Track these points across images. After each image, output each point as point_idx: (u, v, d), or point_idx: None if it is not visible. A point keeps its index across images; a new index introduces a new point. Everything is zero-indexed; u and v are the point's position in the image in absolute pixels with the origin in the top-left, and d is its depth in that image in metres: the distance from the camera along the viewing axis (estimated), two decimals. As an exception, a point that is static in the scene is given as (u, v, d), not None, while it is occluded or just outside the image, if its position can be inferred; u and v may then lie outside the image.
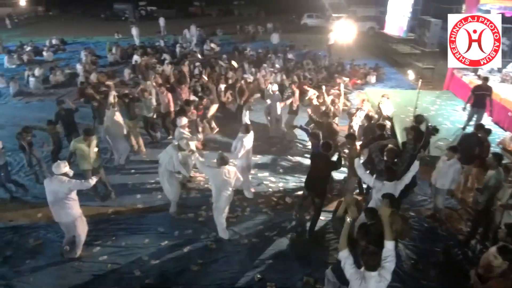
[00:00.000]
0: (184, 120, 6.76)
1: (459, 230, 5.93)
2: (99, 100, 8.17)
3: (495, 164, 5.21)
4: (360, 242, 3.84)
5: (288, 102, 8.89)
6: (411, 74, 11.76)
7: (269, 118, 9.30)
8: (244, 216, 6.26)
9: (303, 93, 9.42)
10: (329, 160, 5.46)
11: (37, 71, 14.23)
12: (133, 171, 7.73)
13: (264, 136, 8.98)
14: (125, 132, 7.78)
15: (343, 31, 13.26)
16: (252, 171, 7.33)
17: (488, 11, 11.17)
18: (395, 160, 5.50)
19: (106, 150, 8.01)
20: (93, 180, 5.14)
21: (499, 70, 11.09)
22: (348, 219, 3.74)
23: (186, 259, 5.28)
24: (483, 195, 5.21)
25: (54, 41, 21.19)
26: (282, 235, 5.76)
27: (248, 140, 6.36)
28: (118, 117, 7.62)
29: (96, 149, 6.32)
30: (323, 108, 8.02)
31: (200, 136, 7.64)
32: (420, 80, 8.83)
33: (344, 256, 3.41)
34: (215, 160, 5.46)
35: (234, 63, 9.30)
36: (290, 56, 16.42)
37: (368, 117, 7.43)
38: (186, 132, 6.75)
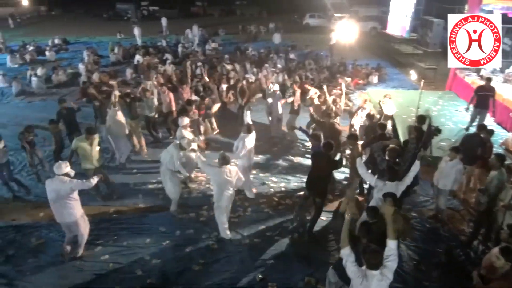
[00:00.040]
0: (186, 120, 6.77)
1: (461, 230, 5.92)
2: (100, 100, 8.19)
3: (497, 164, 5.20)
4: (362, 240, 3.84)
5: (290, 100, 8.89)
6: (413, 74, 11.73)
7: (270, 118, 9.29)
8: (245, 216, 6.26)
9: (304, 92, 9.41)
10: (330, 160, 5.45)
11: (39, 71, 14.28)
12: (134, 170, 7.74)
13: (266, 136, 8.98)
14: (127, 131, 7.79)
15: (345, 31, 13.23)
16: (254, 171, 7.34)
17: (491, 11, 11.15)
18: (397, 159, 5.49)
19: (107, 150, 8.02)
20: (94, 180, 5.14)
21: (502, 71, 11.05)
22: (347, 216, 3.72)
23: (187, 259, 5.28)
24: (486, 195, 5.19)
25: (56, 41, 21.24)
26: (284, 235, 5.76)
27: (250, 140, 6.37)
28: (120, 116, 7.64)
29: (98, 148, 6.33)
30: (324, 107, 8.01)
31: (202, 137, 7.65)
32: (423, 80, 8.81)
33: (346, 254, 3.41)
34: (216, 160, 5.46)
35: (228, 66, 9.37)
36: (292, 56, 16.41)
37: (369, 117, 7.42)
38: (188, 131, 6.76)
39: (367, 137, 7.03)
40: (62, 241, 5.32)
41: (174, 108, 8.90)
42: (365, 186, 6.60)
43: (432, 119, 5.93)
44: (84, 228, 5.19)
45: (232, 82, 11.10)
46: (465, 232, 5.85)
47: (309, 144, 8.40)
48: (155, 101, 8.68)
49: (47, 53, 18.26)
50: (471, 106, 8.84)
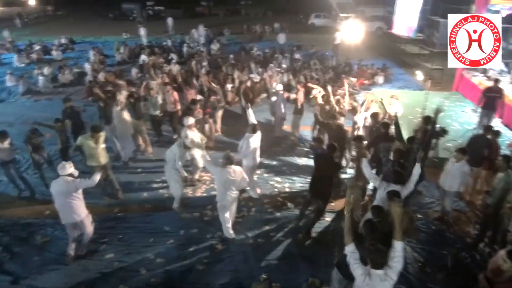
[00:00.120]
0: (191, 120, 6.78)
1: (467, 233, 5.86)
2: (105, 100, 8.22)
3: (504, 166, 5.15)
4: (366, 239, 3.82)
5: (292, 96, 8.86)
6: (419, 75, 11.65)
7: (273, 118, 9.28)
8: (249, 216, 6.26)
9: (308, 92, 9.39)
10: (332, 161, 5.42)
11: (46, 70, 14.40)
12: (139, 170, 7.77)
13: (270, 136, 8.96)
14: (132, 131, 7.83)
15: (351, 31, 13.18)
16: (258, 171, 7.33)
17: (498, 12, 11.04)
18: (402, 161, 5.45)
19: (111, 150, 8.03)
20: (97, 176, 5.17)
21: (509, 71, 10.95)
22: (346, 213, 3.68)
23: (191, 258, 5.29)
24: (492, 197, 5.14)
25: (63, 40, 21.39)
26: (288, 236, 5.75)
27: (255, 140, 6.36)
28: (126, 115, 7.67)
29: (103, 146, 6.36)
30: (328, 107, 7.98)
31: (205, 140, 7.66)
32: (429, 81, 8.75)
33: (350, 251, 3.39)
34: (221, 160, 5.46)
35: (214, 84, 9.37)
36: (297, 56, 16.37)
37: (374, 116, 7.39)
38: (193, 131, 6.76)
39: (371, 137, 7.01)
40: (67, 239, 5.34)
41: (179, 107, 8.92)
42: (369, 187, 6.57)
43: (437, 119, 5.88)
44: (89, 227, 5.22)
45: (237, 82, 11.12)
46: (471, 234, 5.80)
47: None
48: (159, 100, 8.70)
49: (53, 52, 18.41)
50: (478, 107, 8.75)
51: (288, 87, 10.08)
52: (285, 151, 8.54)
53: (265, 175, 7.51)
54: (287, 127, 9.32)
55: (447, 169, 5.74)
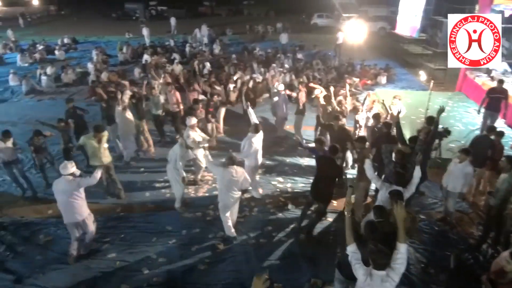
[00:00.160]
0: (193, 120, 6.78)
1: (470, 234, 5.83)
2: (107, 101, 8.23)
3: (508, 167, 5.11)
4: (368, 239, 3.81)
5: (294, 94, 8.84)
6: (422, 75, 11.62)
7: (275, 118, 9.26)
8: (251, 216, 6.26)
9: (311, 92, 9.37)
10: (334, 163, 5.40)
11: (49, 70, 14.45)
12: (142, 169, 7.78)
13: (272, 136, 8.95)
14: (134, 131, 7.84)
15: (354, 31, 13.15)
16: (260, 171, 7.33)
17: (501, 12, 11.00)
18: (404, 162, 5.43)
19: (113, 150, 8.05)
20: (98, 174, 5.18)
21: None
22: (346, 213, 3.68)
23: (193, 258, 5.29)
24: (495, 198, 5.11)
25: (66, 40, 21.48)
26: (290, 236, 5.74)
27: (257, 140, 6.35)
28: (129, 115, 7.69)
29: (106, 145, 6.38)
30: (329, 108, 7.98)
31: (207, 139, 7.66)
32: (432, 81, 8.71)
33: (351, 251, 3.38)
34: (223, 160, 5.46)
35: (216, 86, 9.42)
36: (299, 56, 16.37)
37: (376, 117, 7.38)
38: (195, 132, 6.77)
39: (373, 137, 7.00)
40: (69, 239, 5.35)
41: (181, 107, 8.92)
42: (372, 187, 6.55)
43: (439, 119, 5.86)
44: (92, 226, 5.24)
45: (239, 82, 11.11)
46: (474, 235, 5.77)
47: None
48: (161, 99, 8.71)
49: (56, 52, 18.47)
50: (482, 108, 8.71)
51: (290, 87, 10.07)
52: (287, 151, 8.53)
53: (267, 175, 7.51)
54: (289, 127, 9.31)
55: (450, 169, 5.71)
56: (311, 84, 9.51)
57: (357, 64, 14.96)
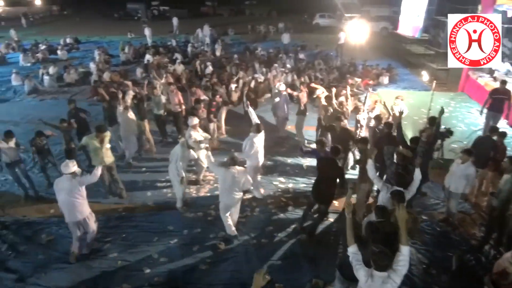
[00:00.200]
0: (195, 120, 6.78)
1: (472, 235, 5.81)
2: (109, 102, 8.25)
3: (510, 168, 5.09)
4: (369, 240, 3.80)
5: (295, 94, 8.83)
6: (425, 75, 11.58)
7: (276, 118, 9.25)
8: (253, 216, 6.25)
9: (312, 92, 9.36)
10: (336, 164, 5.39)
11: (51, 70, 14.49)
12: (144, 169, 7.79)
13: (273, 136, 8.94)
14: (136, 131, 7.85)
15: (356, 31, 13.12)
16: (261, 171, 7.31)
17: (504, 12, 10.95)
18: (405, 164, 5.41)
19: (115, 150, 8.06)
20: (98, 171, 5.19)
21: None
22: (347, 214, 3.67)
23: (195, 257, 5.29)
24: (498, 199, 5.09)
25: (68, 40, 21.54)
26: (292, 236, 5.73)
27: (259, 140, 6.35)
28: (131, 115, 7.69)
29: (108, 146, 6.38)
30: (330, 109, 7.97)
31: (209, 138, 7.65)
32: (435, 81, 8.68)
33: (352, 252, 3.38)
34: (225, 159, 5.46)
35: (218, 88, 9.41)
36: (301, 56, 16.35)
37: (377, 119, 7.37)
38: (197, 132, 6.77)
39: (375, 138, 7.00)
40: (71, 238, 5.37)
41: (183, 107, 8.92)
42: (374, 188, 6.54)
43: (440, 120, 5.85)
44: (93, 225, 5.25)
45: (240, 82, 11.10)
46: (476, 236, 5.75)
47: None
48: (163, 99, 8.71)
49: (59, 52, 18.53)
50: (485, 109, 8.67)
51: (292, 87, 10.06)
52: (288, 152, 8.51)
53: (269, 175, 7.50)
54: (290, 127, 9.30)
55: (453, 170, 5.69)
56: (312, 85, 9.49)
57: (359, 64, 14.93)
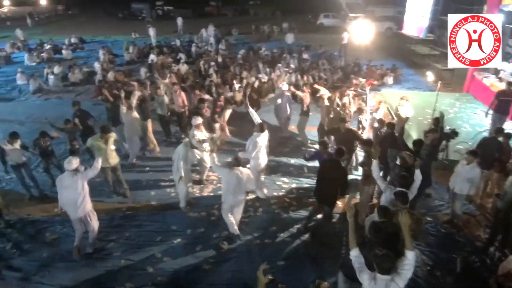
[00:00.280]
0: (199, 120, 6.78)
1: (477, 236, 5.77)
2: (112, 102, 8.27)
3: (516, 169, 5.06)
4: (372, 240, 3.79)
5: (299, 93, 8.82)
6: (430, 76, 11.52)
7: (278, 119, 9.22)
8: (256, 216, 6.25)
9: (315, 93, 9.34)
10: (340, 166, 5.37)
11: (56, 69, 14.57)
12: (147, 168, 7.81)
13: (277, 136, 8.92)
14: (140, 132, 7.87)
15: (360, 31, 13.07)
16: (265, 171, 7.30)
17: (510, 12, 10.87)
18: (408, 166, 5.39)
19: (118, 150, 8.07)
20: (98, 163, 5.20)
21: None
22: (349, 218, 3.66)
23: (198, 257, 5.30)
24: (503, 201, 5.05)
25: (73, 40, 21.64)
26: (295, 237, 5.72)
27: (262, 139, 6.33)
28: (135, 115, 7.71)
29: (113, 147, 6.40)
30: (332, 110, 7.95)
31: (215, 134, 7.64)
32: (440, 81, 8.63)
33: (354, 255, 3.37)
34: (228, 160, 5.46)
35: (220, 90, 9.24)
36: (305, 56, 16.32)
37: (381, 122, 7.35)
38: (201, 131, 6.77)
39: (378, 138, 6.99)
40: (75, 237, 5.39)
41: (187, 107, 8.93)
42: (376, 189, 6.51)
43: (443, 123, 5.82)
44: (94, 222, 5.28)
45: (244, 82, 11.10)
46: (481, 238, 5.71)
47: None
48: (166, 99, 8.72)
49: (63, 51, 18.61)
50: (490, 111, 8.60)
51: (296, 87, 10.04)
52: (292, 152, 8.50)
53: (272, 175, 7.49)
54: (293, 127, 9.28)
55: (458, 171, 5.65)
56: (316, 86, 9.48)
57: (363, 65, 14.88)
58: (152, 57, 15.43)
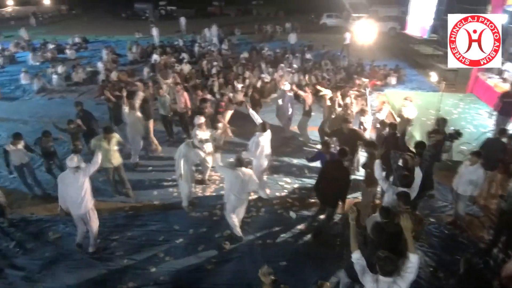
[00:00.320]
0: (201, 119, 6.78)
1: (480, 238, 5.74)
2: (114, 103, 8.28)
3: (520, 170, 5.02)
4: (374, 240, 3.78)
5: (301, 93, 8.80)
6: (433, 76, 11.46)
7: (279, 119, 9.21)
8: (258, 216, 6.24)
9: (317, 93, 9.31)
10: (342, 167, 5.35)
11: (60, 69, 14.64)
12: (150, 168, 7.82)
13: (279, 136, 8.91)
14: (142, 132, 7.88)
15: (364, 31, 13.02)
16: (267, 172, 7.30)
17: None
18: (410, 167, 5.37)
19: (121, 150, 8.09)
20: (98, 157, 5.23)
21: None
22: (351, 221, 3.66)
23: (200, 257, 5.30)
24: (507, 202, 5.02)
25: (76, 40, 21.71)
26: (297, 237, 5.71)
27: (265, 139, 6.32)
28: (138, 115, 7.72)
29: (116, 147, 6.41)
30: (334, 110, 7.92)
31: (217, 132, 7.63)
32: (443, 82, 8.59)
33: (356, 258, 3.39)
34: (231, 160, 5.46)
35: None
36: (308, 56, 16.28)
37: (383, 124, 7.32)
38: (204, 130, 6.77)
39: (380, 139, 6.97)
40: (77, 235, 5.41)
41: (189, 107, 8.93)
42: (378, 189, 6.48)
43: (445, 127, 5.79)
44: (94, 221, 5.29)
45: (247, 82, 11.09)
46: (484, 239, 5.67)
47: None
48: (168, 99, 8.72)
49: (67, 51, 18.70)
50: (494, 112, 8.55)
51: (299, 87, 10.02)
52: (294, 152, 8.49)
53: (275, 175, 7.48)
54: (294, 128, 9.25)
55: (461, 172, 5.62)
56: (318, 87, 9.46)
57: (366, 65, 14.83)
58: (155, 57, 15.46)
